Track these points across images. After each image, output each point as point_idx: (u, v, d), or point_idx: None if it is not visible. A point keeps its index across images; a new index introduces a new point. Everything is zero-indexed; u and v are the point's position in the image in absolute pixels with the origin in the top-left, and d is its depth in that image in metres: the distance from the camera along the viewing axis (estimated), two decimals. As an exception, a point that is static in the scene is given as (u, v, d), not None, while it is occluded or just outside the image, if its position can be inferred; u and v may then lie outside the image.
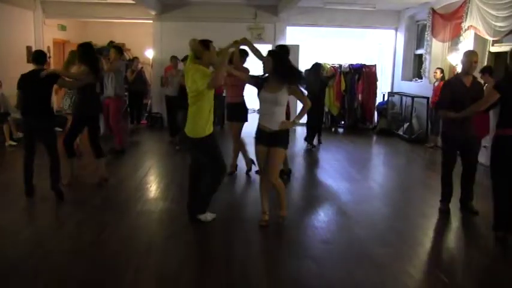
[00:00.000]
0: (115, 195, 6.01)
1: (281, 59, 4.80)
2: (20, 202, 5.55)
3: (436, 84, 9.64)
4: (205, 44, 4.76)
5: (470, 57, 5.24)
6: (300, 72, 5.10)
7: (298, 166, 8.39)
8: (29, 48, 11.24)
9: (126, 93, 12.51)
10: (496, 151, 4.60)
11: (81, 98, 6.30)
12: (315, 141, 9.74)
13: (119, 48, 8.66)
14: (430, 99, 10.01)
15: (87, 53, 6.14)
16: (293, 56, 11.11)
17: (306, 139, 9.64)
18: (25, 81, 5.58)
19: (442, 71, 9.56)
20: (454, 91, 5.22)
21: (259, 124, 4.80)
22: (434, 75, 9.76)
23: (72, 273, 3.79)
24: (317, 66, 9.60)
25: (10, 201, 5.60)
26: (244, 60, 6.49)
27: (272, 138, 4.71)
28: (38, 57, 5.69)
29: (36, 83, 5.50)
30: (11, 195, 5.82)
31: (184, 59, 8.34)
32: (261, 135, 4.77)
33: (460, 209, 5.51)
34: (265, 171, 4.84)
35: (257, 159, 4.97)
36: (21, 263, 3.91)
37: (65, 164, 6.09)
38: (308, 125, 9.62)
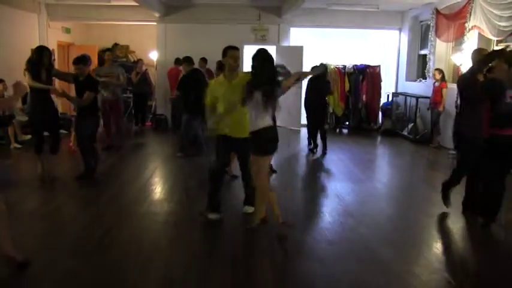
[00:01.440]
0: (120, 197, 6.03)
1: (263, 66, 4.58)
2: (26, 203, 5.58)
3: (436, 84, 9.67)
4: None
5: (483, 54, 5.20)
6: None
7: (302, 167, 8.41)
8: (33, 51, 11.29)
9: (130, 95, 12.60)
10: None
11: (31, 102, 6.66)
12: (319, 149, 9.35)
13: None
14: (430, 100, 10.01)
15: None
16: (297, 58, 11.27)
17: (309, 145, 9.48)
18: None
19: (440, 72, 9.62)
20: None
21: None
22: (433, 77, 9.80)
23: (77, 274, 3.80)
24: (324, 70, 9.45)
25: (16, 202, 5.62)
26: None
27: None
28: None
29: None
30: (17, 197, 5.85)
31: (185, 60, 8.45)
32: None
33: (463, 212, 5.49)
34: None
35: None
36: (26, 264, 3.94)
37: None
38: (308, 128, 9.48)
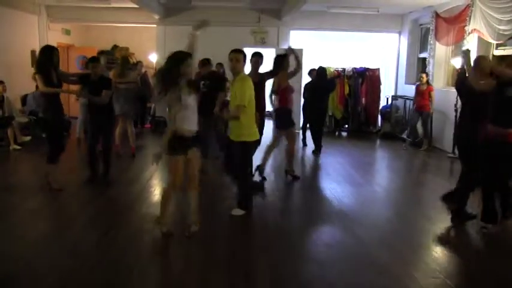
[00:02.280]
0: (119, 198, 6.02)
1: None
2: (25, 204, 5.57)
3: (423, 88, 9.76)
4: None
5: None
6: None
7: (301, 169, 8.39)
8: (33, 52, 11.29)
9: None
10: None
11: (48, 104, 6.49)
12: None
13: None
14: (415, 103, 10.02)
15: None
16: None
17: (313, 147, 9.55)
18: None
19: (427, 75, 9.91)
20: None
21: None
22: (420, 80, 9.86)
23: (76, 275, 3.80)
24: (322, 72, 9.55)
25: (15, 203, 5.62)
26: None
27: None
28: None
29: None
30: (17, 198, 5.84)
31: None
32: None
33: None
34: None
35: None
36: (26, 265, 3.93)
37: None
38: (310, 130, 9.63)
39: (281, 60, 6.82)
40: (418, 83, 10.04)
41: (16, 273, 3.79)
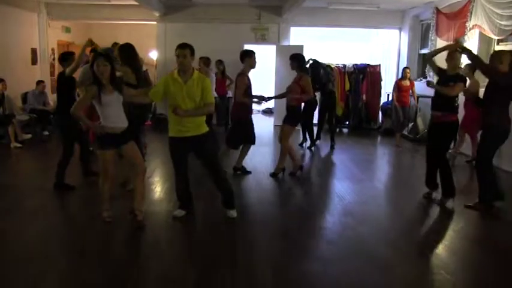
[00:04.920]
0: (120, 196, 6.00)
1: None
2: (25, 203, 5.57)
3: (407, 84, 9.93)
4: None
5: None
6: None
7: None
8: (33, 50, 11.30)
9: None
10: None
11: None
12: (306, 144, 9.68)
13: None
14: (400, 98, 9.97)
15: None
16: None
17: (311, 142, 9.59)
18: None
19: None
20: None
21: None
22: (405, 75, 9.96)
23: (76, 274, 3.80)
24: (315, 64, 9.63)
25: (16, 201, 5.62)
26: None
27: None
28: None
29: None
30: (17, 196, 5.84)
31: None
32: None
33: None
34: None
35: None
36: (26, 264, 3.93)
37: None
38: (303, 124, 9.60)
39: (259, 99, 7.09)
40: (399, 78, 10.14)
41: (17, 273, 3.79)
